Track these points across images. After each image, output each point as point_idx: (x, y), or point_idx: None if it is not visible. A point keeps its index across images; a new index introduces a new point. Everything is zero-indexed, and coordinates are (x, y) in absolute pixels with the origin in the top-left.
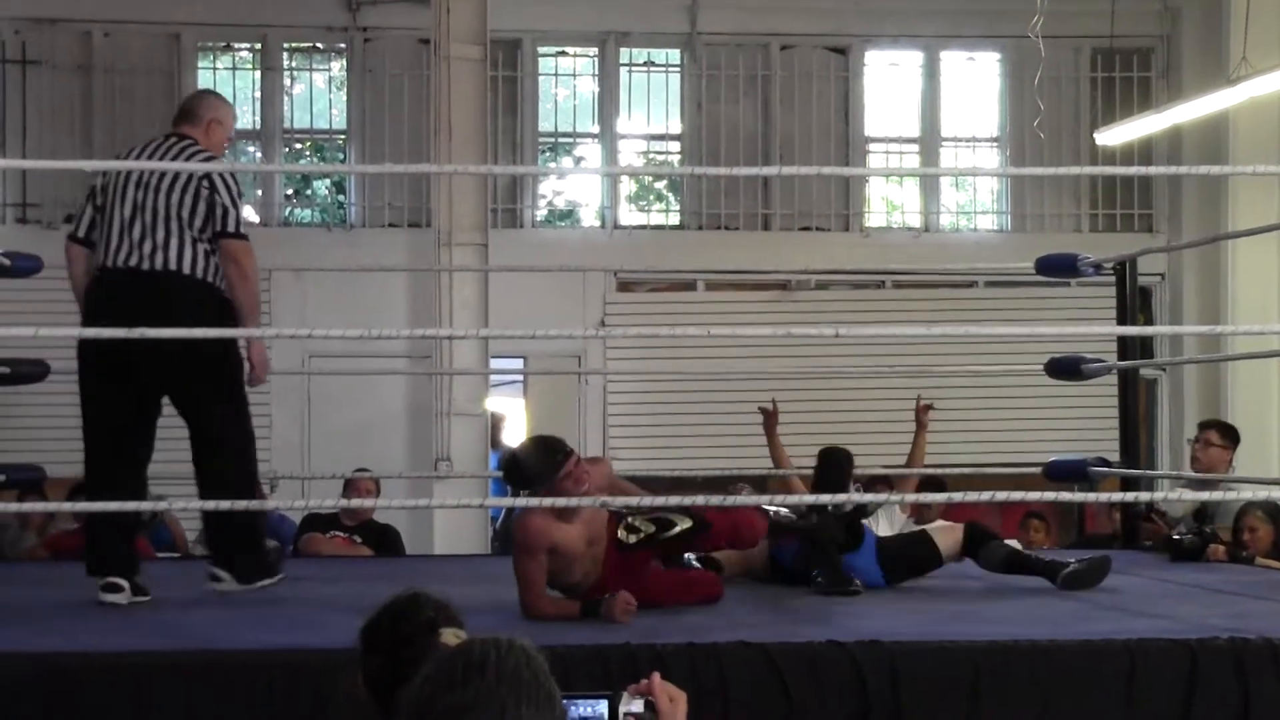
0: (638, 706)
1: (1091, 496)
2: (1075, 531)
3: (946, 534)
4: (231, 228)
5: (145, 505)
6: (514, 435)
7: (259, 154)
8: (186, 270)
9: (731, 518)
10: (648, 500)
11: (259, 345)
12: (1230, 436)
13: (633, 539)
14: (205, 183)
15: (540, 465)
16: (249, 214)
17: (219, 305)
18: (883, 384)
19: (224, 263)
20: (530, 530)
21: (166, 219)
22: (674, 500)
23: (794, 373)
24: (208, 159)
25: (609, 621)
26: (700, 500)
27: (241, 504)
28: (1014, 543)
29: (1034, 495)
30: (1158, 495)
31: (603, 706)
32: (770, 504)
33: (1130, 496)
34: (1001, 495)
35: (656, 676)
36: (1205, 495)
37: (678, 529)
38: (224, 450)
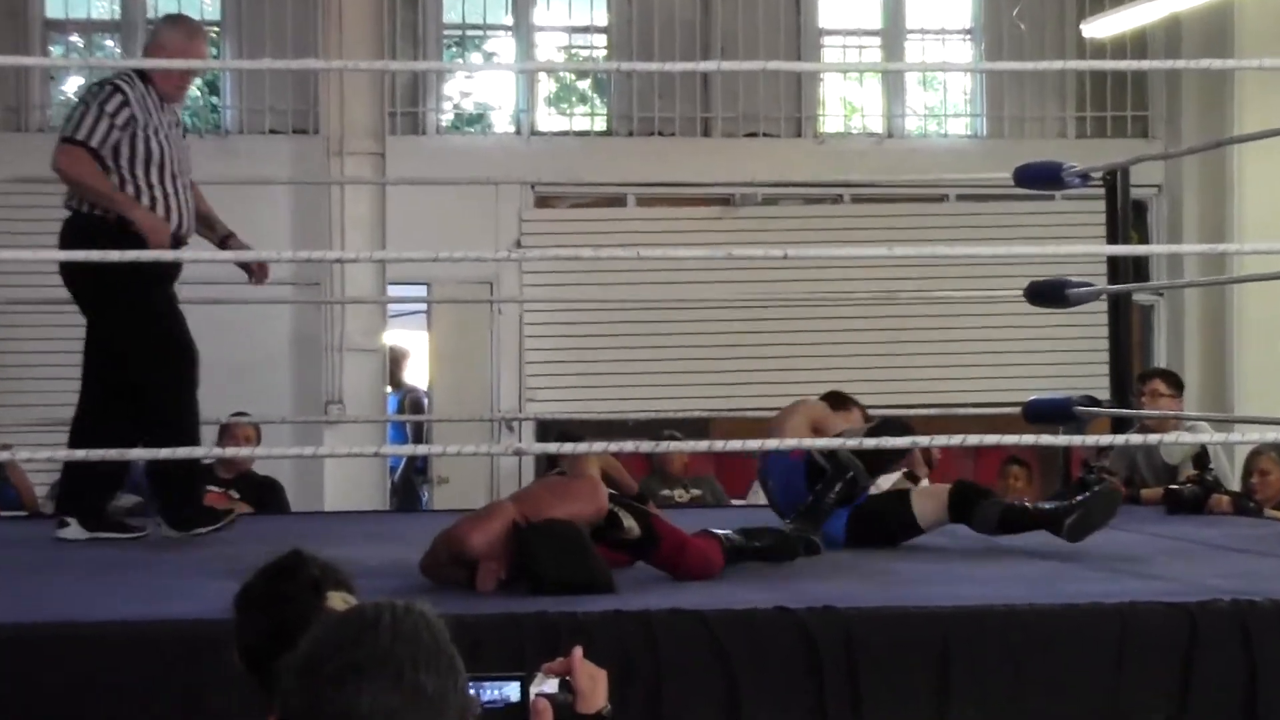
0: (552, 687)
1: (1077, 440)
2: (1060, 479)
3: (928, 498)
4: (64, 132)
5: None
6: (415, 374)
7: (119, 49)
8: (74, 207)
9: (682, 543)
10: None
11: (146, 224)
12: (1176, 384)
13: None
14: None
15: None
16: None
17: (104, 235)
18: (839, 313)
19: None
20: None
21: None
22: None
23: (738, 300)
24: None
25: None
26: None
27: (99, 453)
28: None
29: (1010, 439)
30: (1153, 439)
31: (513, 689)
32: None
33: (1121, 439)
34: (974, 439)
35: (577, 653)
36: (1206, 438)
37: (623, 536)
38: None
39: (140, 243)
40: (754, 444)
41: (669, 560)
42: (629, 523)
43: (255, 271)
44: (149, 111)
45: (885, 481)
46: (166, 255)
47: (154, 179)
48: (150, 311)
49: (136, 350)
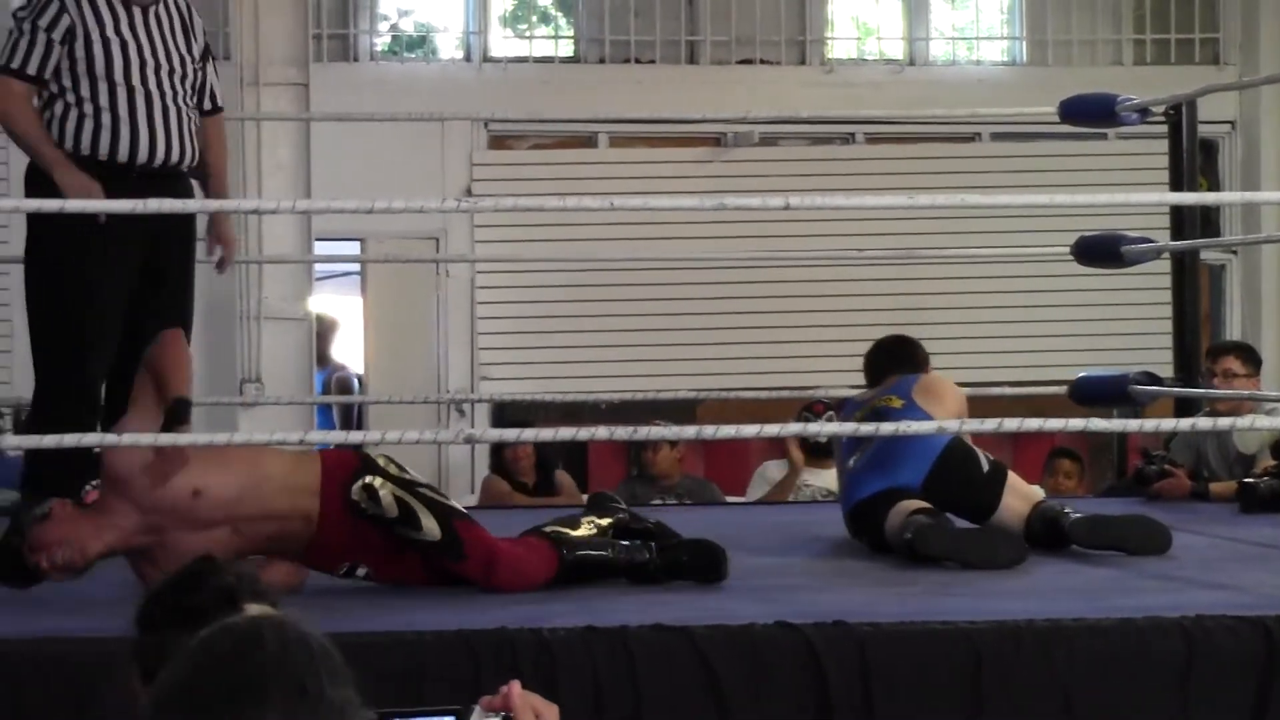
0: None
1: (1133, 425)
2: (1114, 471)
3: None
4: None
5: None
6: (347, 347)
7: None
8: None
9: (494, 552)
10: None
11: (66, 180)
12: (1253, 360)
13: (365, 507)
14: None
15: None
16: None
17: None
18: (851, 274)
19: None
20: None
21: None
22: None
23: (730, 259)
24: None
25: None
26: (601, 432)
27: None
28: (1037, 489)
29: (1055, 424)
30: (1224, 423)
31: None
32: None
33: (1186, 424)
34: (1013, 424)
35: (514, 687)
36: None
37: (417, 536)
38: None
39: (104, 183)
40: (751, 429)
41: (476, 574)
42: (427, 521)
43: (221, 250)
44: (99, 14)
45: None
46: (94, 203)
47: (102, 96)
48: (63, 270)
49: (35, 308)
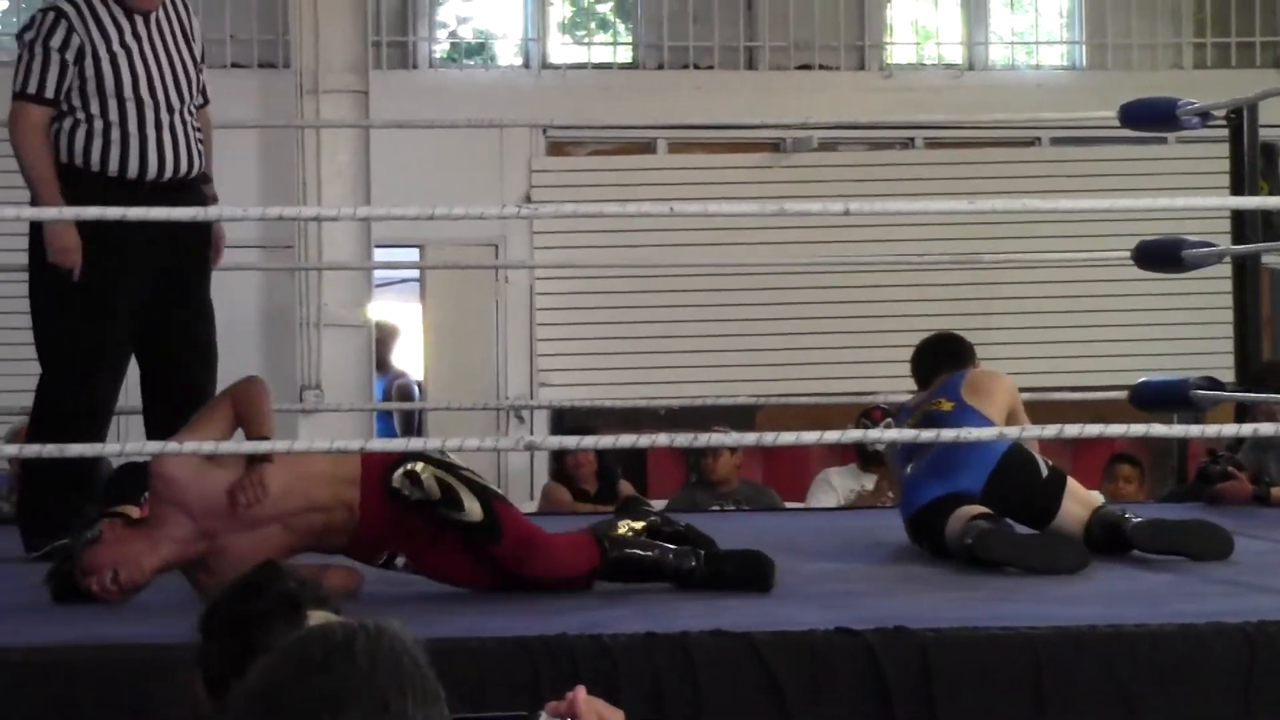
0: None
1: (1195, 430)
2: (1174, 478)
3: (1076, 502)
4: (14, 86)
5: None
6: (407, 354)
7: None
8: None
9: (531, 537)
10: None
11: (54, 230)
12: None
13: (408, 493)
14: None
15: None
16: None
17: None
18: (911, 279)
19: None
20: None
21: None
22: (624, 441)
23: (790, 264)
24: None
25: None
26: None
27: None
28: (1096, 495)
29: (1115, 429)
30: None
31: None
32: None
33: (1248, 429)
34: (1073, 429)
35: (579, 694)
36: None
37: (459, 517)
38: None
39: (114, 197)
40: (811, 436)
41: (511, 557)
42: (469, 502)
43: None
44: (104, 29)
45: None
46: (156, 211)
47: (112, 112)
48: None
49: (50, 334)
